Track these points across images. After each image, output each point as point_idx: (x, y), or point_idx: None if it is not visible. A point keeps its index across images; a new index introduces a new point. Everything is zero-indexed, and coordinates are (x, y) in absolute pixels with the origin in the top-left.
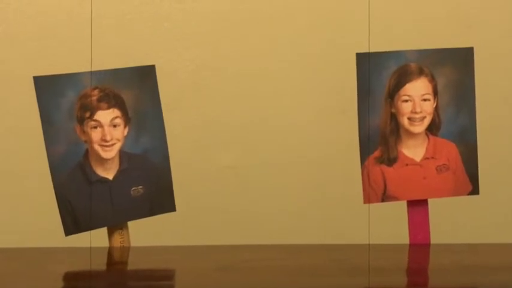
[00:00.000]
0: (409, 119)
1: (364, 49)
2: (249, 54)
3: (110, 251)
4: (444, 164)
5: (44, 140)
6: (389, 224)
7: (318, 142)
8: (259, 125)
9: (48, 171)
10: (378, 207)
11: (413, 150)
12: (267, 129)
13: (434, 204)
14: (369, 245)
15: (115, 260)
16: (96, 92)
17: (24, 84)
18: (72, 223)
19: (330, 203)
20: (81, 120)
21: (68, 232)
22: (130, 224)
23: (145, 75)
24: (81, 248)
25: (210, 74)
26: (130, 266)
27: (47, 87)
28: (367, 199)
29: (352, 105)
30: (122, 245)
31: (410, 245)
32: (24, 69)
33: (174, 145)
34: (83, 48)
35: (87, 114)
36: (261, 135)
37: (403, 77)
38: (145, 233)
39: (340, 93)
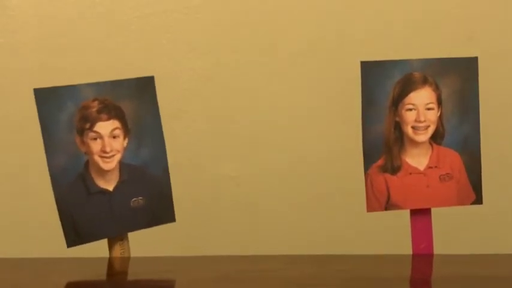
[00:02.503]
0: (413, 127)
1: (368, 57)
2: (251, 64)
3: (111, 261)
4: (448, 173)
5: (45, 151)
6: (392, 234)
7: (321, 151)
8: (261, 135)
9: (49, 182)
10: (380, 216)
11: (417, 159)
12: (268, 139)
13: (438, 214)
14: (372, 255)
15: (115, 271)
16: (95, 103)
17: (30, 96)
18: (74, 235)
19: (332, 212)
20: (81, 132)
21: (70, 244)
22: (130, 234)
23: (144, 86)
24: (81, 258)
25: (212, 84)
26: (131, 277)
27: (47, 99)
28: (371, 207)
29: (356, 114)
30: (122, 256)
31: (413, 255)
32: (28, 81)
33: (174, 154)
34: (84, 59)
35: (87, 126)
36: (262, 145)
37: (407, 86)
38: (145, 243)
39: (344, 101)
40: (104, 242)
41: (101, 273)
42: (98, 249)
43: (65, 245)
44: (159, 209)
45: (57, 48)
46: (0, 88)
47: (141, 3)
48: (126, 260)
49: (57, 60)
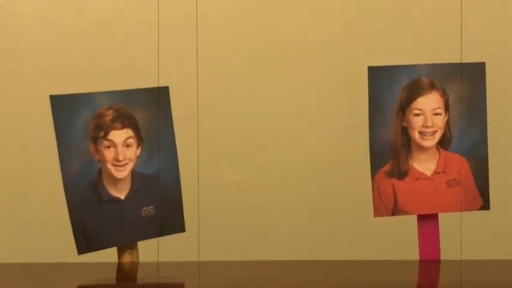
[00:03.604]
0: (420, 133)
1: (375, 63)
2: (258, 70)
3: (120, 266)
4: (455, 179)
5: (59, 158)
6: (399, 239)
7: (328, 156)
8: (266, 141)
9: (61, 188)
10: (387, 222)
11: (424, 164)
12: (274, 145)
13: (445, 219)
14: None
15: (124, 275)
16: (110, 112)
17: (37, 101)
18: (85, 242)
19: (339, 217)
20: (95, 140)
21: (80, 251)
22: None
23: (159, 96)
24: (91, 263)
25: (218, 91)
26: (139, 281)
27: (63, 106)
28: (378, 212)
29: (363, 119)
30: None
31: (420, 260)
32: (35, 87)
33: (180, 160)
34: (89, 65)
35: (101, 134)
36: (268, 151)
37: (414, 91)
38: (153, 249)
39: (351, 107)
40: (114, 248)
41: (111, 278)
42: (107, 254)
43: (75, 251)
44: (169, 219)
45: (63, 55)
46: (6, 93)
47: (147, 9)
48: (134, 265)
49: (62, 66)
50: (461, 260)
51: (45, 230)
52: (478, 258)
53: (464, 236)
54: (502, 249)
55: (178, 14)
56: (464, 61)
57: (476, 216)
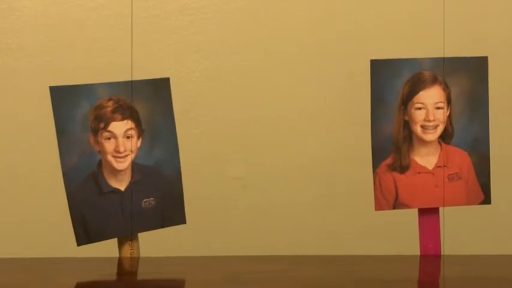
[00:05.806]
0: (422, 127)
1: (377, 56)
2: (259, 66)
3: (120, 261)
4: (456, 173)
5: (58, 150)
6: (401, 234)
7: (329, 150)
8: (268, 136)
9: (61, 181)
10: (388, 216)
11: (426, 158)
12: (276, 141)
13: (446, 214)
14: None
15: (125, 271)
16: (110, 103)
17: (38, 96)
18: (84, 233)
19: (340, 212)
20: (95, 131)
21: (79, 242)
22: (140, 234)
23: (159, 88)
24: (91, 258)
25: (219, 86)
26: (140, 277)
27: (63, 98)
28: (379, 206)
29: (365, 113)
30: (131, 256)
31: (420, 256)
32: (36, 81)
33: (181, 156)
34: (94, 60)
35: (102, 125)
36: (269, 147)
37: (416, 85)
38: (154, 244)
39: (353, 101)
40: (113, 242)
41: (111, 273)
42: (107, 249)
43: (75, 245)
44: (170, 211)
45: (64, 49)
46: (8, 88)
47: (147, 4)
48: (135, 260)
49: (64, 61)
50: (443, 255)
51: (46, 224)
52: (479, 253)
53: (466, 231)
54: (504, 244)
55: (177, 9)
56: (467, 55)
57: (478, 210)
